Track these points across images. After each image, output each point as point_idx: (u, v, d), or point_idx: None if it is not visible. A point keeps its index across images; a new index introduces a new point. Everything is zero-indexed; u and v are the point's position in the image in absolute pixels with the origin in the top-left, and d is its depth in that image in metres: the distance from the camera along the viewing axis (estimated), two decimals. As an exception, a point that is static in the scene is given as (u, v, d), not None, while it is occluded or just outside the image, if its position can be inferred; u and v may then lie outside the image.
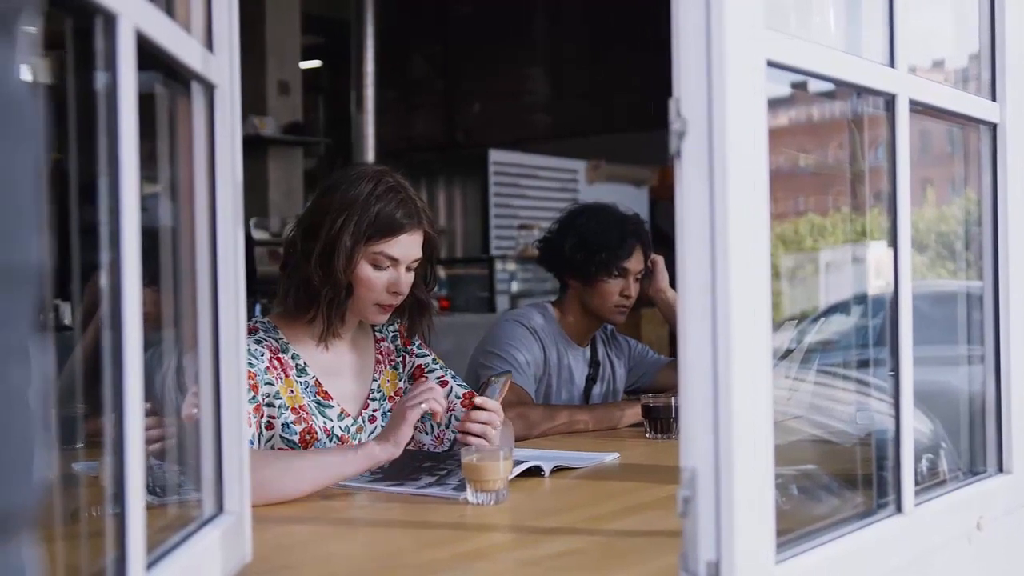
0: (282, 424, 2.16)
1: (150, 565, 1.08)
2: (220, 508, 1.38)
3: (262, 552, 1.47)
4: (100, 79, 1.01)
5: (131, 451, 1.01)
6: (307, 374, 2.23)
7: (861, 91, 1.58)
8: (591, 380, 3.15)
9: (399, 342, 2.42)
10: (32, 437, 0.59)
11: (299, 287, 2.21)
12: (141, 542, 1.02)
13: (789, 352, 2.29)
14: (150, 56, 1.11)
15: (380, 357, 2.38)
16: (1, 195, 0.57)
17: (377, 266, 2.20)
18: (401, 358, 2.42)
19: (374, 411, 2.33)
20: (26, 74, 0.63)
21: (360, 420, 2.29)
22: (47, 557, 0.84)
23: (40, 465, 0.61)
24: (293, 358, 2.23)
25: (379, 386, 2.36)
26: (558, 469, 2.20)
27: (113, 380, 1.00)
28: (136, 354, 1.02)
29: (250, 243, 4.87)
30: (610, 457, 2.37)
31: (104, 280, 1.00)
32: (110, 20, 1.00)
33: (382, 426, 2.29)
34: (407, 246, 2.22)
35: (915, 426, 1.59)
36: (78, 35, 1.03)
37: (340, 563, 1.61)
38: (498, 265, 7.41)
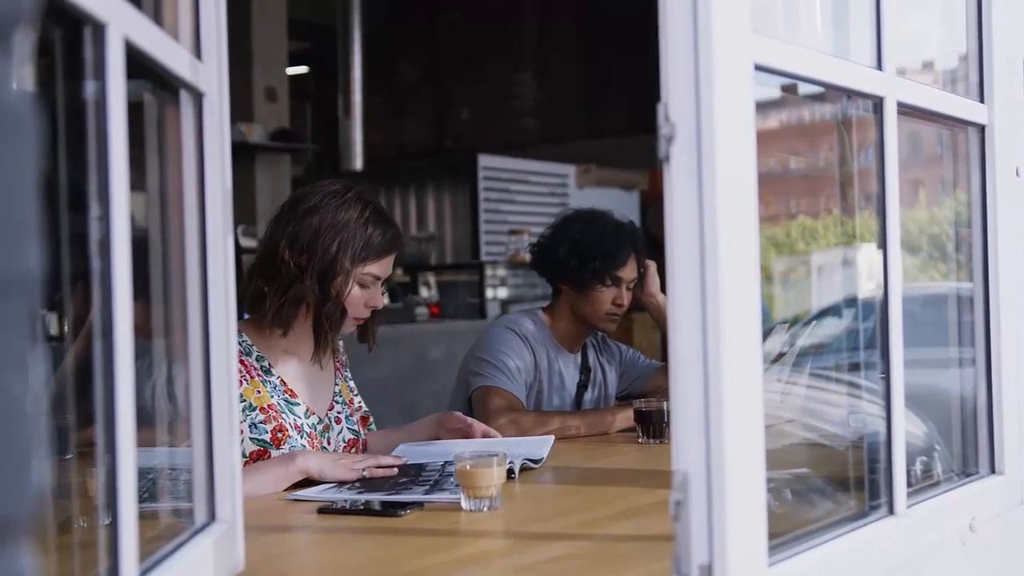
0: (250, 425, 2.22)
1: (143, 574, 1.08)
2: (212, 517, 1.37)
3: (254, 561, 1.47)
4: (89, 87, 1.01)
5: (123, 460, 1.01)
6: (273, 375, 2.31)
7: (849, 94, 1.58)
8: (582, 386, 3.14)
9: (345, 358, 2.55)
10: (31, 445, 0.60)
11: (292, 304, 2.27)
12: (134, 551, 1.02)
13: (781, 355, 2.30)
14: (137, 64, 1.10)
15: (339, 366, 2.50)
16: (1, 204, 0.58)
17: (363, 285, 2.31)
18: (348, 372, 2.54)
19: (338, 413, 2.44)
20: (23, 83, 0.64)
21: (327, 420, 2.39)
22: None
23: (38, 473, 0.61)
24: (258, 360, 2.30)
25: (339, 391, 2.47)
26: (526, 468, 2.22)
27: (105, 390, 1.00)
28: (127, 363, 1.02)
29: (238, 251, 4.89)
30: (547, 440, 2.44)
31: (95, 289, 1.00)
32: (99, 29, 0.99)
33: (348, 428, 2.44)
34: (390, 265, 2.37)
35: (909, 429, 1.60)
36: (66, 43, 1.03)
37: (333, 572, 1.60)
38: (488, 271, 7.38)
